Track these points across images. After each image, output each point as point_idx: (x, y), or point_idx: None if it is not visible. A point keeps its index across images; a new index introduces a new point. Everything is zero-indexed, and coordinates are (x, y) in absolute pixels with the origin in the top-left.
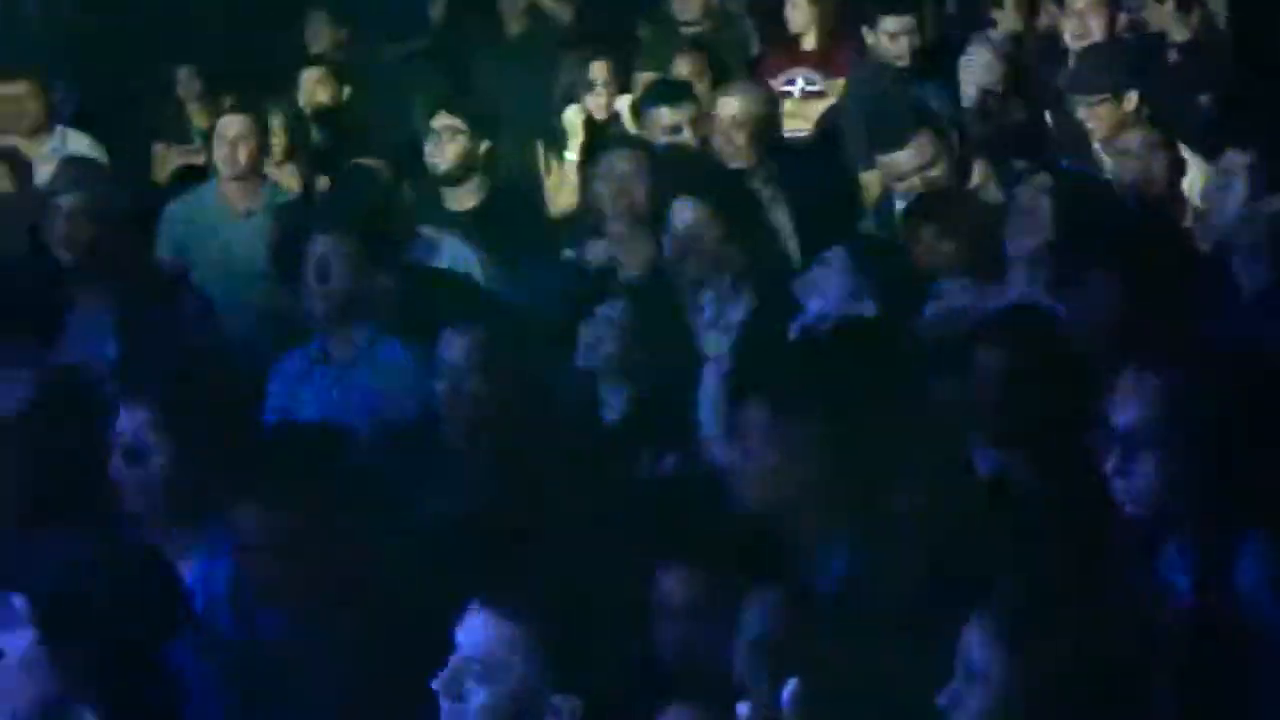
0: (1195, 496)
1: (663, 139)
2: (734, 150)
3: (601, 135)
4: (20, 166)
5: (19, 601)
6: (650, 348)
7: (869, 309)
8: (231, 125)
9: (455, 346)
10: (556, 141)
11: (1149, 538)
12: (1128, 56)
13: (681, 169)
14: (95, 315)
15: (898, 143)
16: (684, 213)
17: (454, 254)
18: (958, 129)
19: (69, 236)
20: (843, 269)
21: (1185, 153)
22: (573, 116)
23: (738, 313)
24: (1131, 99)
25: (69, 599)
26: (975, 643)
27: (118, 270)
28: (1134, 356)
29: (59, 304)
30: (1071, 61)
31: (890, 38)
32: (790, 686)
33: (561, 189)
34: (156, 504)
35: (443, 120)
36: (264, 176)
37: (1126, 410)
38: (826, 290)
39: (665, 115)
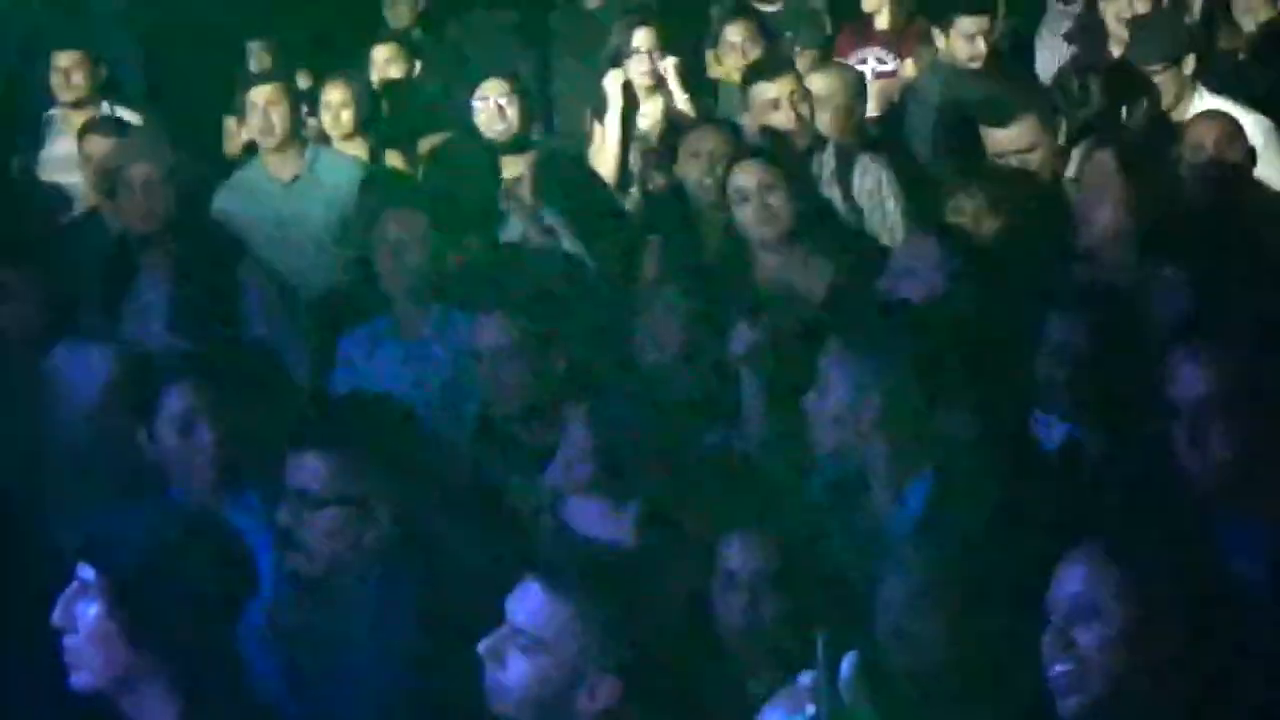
0: (1268, 469)
1: (764, 116)
2: (822, 127)
3: (638, 101)
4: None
5: (88, 573)
6: (713, 329)
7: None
8: (261, 93)
9: (488, 331)
10: (599, 107)
11: (1218, 515)
12: (1182, 23)
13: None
14: (158, 289)
15: (1004, 119)
16: (750, 173)
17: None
18: (1065, 118)
19: (142, 209)
20: (931, 255)
21: (1251, 125)
22: (612, 81)
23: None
24: (1189, 63)
25: (138, 571)
26: (1080, 578)
27: (184, 241)
28: (1201, 328)
29: (127, 276)
30: (1120, 38)
31: (968, 39)
32: (849, 659)
33: (600, 154)
34: (206, 476)
35: (494, 88)
36: (305, 141)
37: (1194, 382)
38: (917, 277)
39: (767, 90)
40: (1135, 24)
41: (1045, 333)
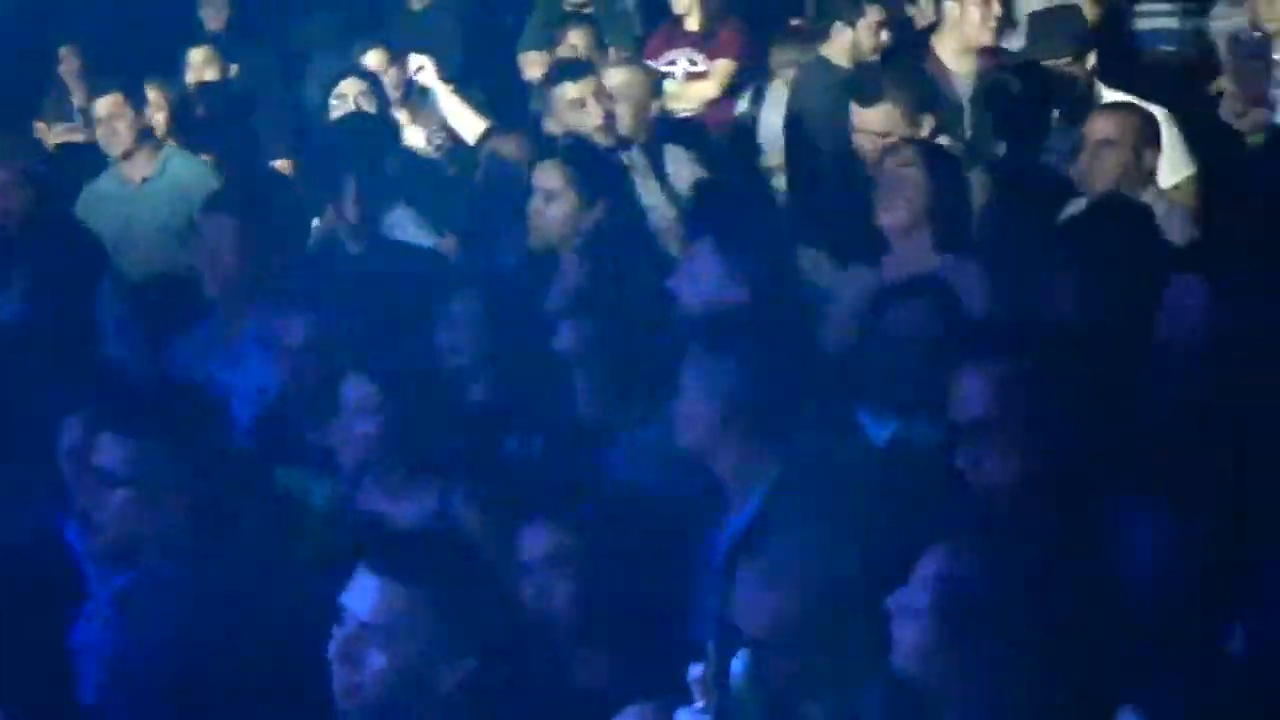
0: (1048, 480)
1: (567, 115)
2: (620, 123)
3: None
4: None
5: None
6: (508, 338)
7: (740, 295)
8: (103, 106)
9: (293, 329)
10: None
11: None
12: (1081, 15)
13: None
14: (17, 296)
15: (870, 99)
16: (544, 175)
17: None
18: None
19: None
20: (712, 255)
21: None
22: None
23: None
24: (1091, 57)
25: None
26: (917, 577)
27: (43, 244)
28: (970, 352)
29: None
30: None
31: (874, 28)
32: (741, 656)
33: None
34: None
35: (351, 87)
36: (157, 145)
37: (969, 406)
38: (697, 279)
39: (569, 90)
40: (1034, 17)
41: (870, 327)
